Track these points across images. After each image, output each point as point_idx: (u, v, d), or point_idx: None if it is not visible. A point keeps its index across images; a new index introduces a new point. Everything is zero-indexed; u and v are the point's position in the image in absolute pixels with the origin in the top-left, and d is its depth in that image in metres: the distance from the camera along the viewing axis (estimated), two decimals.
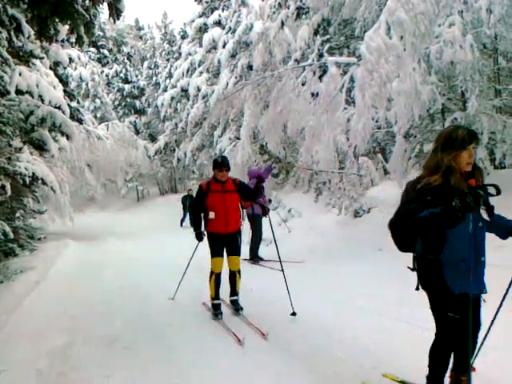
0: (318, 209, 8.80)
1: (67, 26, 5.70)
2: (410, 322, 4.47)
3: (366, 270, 7.28)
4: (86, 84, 31.39)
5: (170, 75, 27.68)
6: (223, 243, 5.50)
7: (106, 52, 36.91)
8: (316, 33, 12.32)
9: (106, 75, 34.86)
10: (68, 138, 14.02)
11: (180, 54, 26.50)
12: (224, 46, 19.48)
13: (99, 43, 35.81)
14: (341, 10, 10.48)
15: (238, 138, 15.62)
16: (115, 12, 5.55)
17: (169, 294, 6.41)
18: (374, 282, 6.48)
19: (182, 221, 19.04)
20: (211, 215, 5.39)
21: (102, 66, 35.59)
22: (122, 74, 34.04)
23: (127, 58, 36.06)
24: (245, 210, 9.38)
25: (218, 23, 21.68)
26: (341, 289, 6.28)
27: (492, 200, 2.74)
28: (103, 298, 6.67)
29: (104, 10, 5.67)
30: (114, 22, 6.38)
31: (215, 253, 5.43)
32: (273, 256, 9.18)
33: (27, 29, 9.00)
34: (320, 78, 9.50)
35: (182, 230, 17.06)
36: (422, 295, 2.92)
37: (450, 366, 2.96)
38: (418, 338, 3.88)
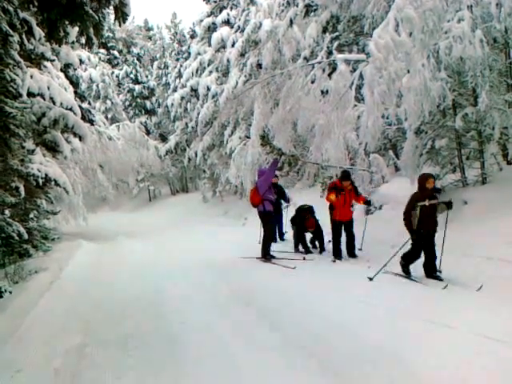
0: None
1: (77, 28, 5.75)
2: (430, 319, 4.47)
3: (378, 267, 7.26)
4: (97, 85, 31.72)
5: (180, 75, 27.77)
6: None
7: (116, 53, 37.20)
8: (325, 30, 12.29)
9: (117, 76, 35.09)
10: (80, 139, 14.07)
11: (189, 53, 26.52)
12: (233, 45, 19.52)
13: (109, 44, 36.11)
14: (349, 6, 10.47)
15: (248, 137, 15.63)
16: (121, 15, 5.58)
17: (182, 293, 6.46)
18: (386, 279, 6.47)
19: (281, 230, 10.96)
20: None
21: (112, 67, 35.88)
22: (132, 75, 34.24)
23: (137, 59, 36.23)
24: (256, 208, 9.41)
25: (227, 22, 21.69)
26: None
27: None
28: (116, 297, 6.73)
29: (113, 11, 5.71)
30: (120, 25, 6.43)
31: None
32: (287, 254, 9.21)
33: (38, 31, 9.09)
34: (329, 75, 9.48)
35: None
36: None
37: None
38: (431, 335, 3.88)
